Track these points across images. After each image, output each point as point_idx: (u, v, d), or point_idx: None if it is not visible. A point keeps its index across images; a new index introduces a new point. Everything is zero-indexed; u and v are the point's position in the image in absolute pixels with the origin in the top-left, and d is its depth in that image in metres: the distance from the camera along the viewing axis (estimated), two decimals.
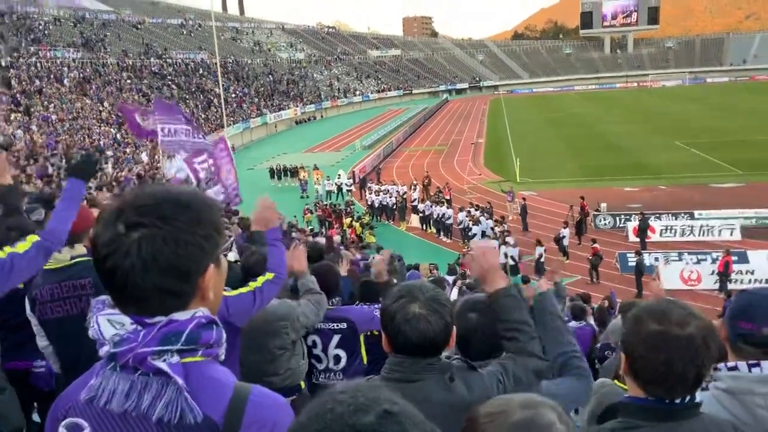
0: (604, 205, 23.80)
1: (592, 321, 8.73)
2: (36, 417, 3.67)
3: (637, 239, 20.78)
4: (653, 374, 1.57)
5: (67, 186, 2.84)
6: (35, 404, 3.64)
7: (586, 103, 70.92)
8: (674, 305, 1.62)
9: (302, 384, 3.80)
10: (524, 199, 24.27)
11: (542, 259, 18.45)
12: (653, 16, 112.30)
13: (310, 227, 22.61)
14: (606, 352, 6.08)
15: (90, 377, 1.23)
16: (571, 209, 22.88)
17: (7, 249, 2.54)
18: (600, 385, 3.12)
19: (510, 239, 19.14)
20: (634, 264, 17.89)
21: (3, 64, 37.46)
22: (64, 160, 23.63)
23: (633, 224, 21.60)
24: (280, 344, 3.59)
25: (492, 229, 20.98)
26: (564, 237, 20.06)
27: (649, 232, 20.85)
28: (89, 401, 1.19)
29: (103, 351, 1.19)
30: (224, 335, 1.25)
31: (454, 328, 1.88)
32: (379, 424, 0.81)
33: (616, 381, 2.99)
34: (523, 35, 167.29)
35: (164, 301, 1.16)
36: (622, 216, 23.00)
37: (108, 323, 1.19)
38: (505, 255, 17.97)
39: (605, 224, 23.11)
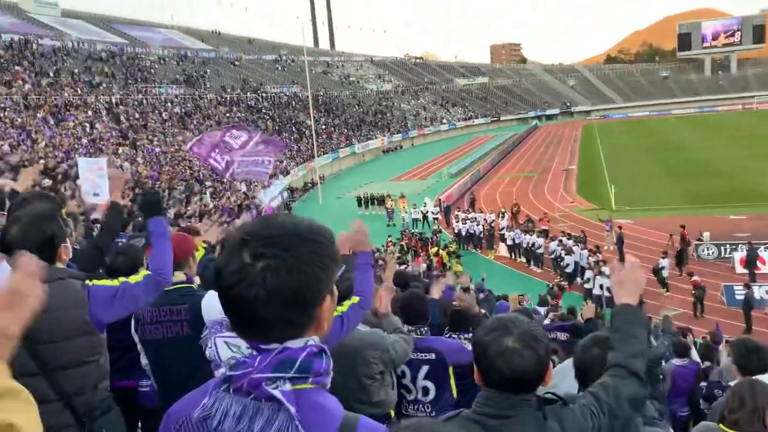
0: (707, 234, 22.44)
1: (695, 356, 8.22)
2: None
3: (745, 271, 19.42)
4: None
5: (150, 226, 2.97)
6: (139, 422, 3.80)
7: (686, 127, 67.78)
8: None
9: (392, 413, 3.76)
10: (620, 228, 23.30)
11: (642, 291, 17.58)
12: (759, 35, 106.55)
13: (397, 256, 22.64)
14: (715, 391, 5.67)
15: (202, 395, 1.26)
16: (670, 238, 21.74)
17: (121, 279, 2.72)
18: (705, 428, 2.96)
19: (606, 269, 18.38)
20: (742, 297, 16.70)
21: (113, 101, 40.38)
22: (167, 191, 25.02)
23: (740, 255, 20.23)
24: (368, 373, 3.57)
25: (587, 259, 20.23)
26: (663, 268, 19.06)
27: (758, 263, 19.45)
28: (202, 420, 1.23)
29: (219, 372, 1.22)
30: (332, 364, 1.27)
31: (551, 364, 1.81)
32: None
33: (721, 425, 2.80)
34: (617, 59, 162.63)
35: (284, 330, 1.20)
36: (728, 246, 21.59)
37: (225, 345, 1.23)
38: (601, 287, 17.26)
39: (708, 254, 21.78)
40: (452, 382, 3.96)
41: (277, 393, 1.16)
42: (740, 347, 4.04)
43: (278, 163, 40.26)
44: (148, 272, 2.78)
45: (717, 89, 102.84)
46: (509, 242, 24.61)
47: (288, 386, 1.18)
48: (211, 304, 3.12)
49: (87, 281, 2.64)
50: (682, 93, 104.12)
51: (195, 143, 8.68)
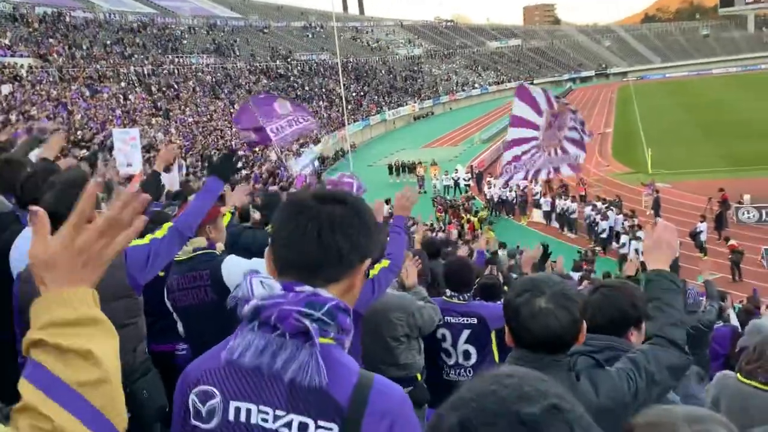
0: (747, 196, 21.85)
1: (734, 320, 8.09)
2: None
3: None
4: None
5: (207, 183, 3.05)
6: None
7: (727, 87, 65.52)
8: None
9: (418, 376, 3.79)
10: (657, 191, 22.84)
11: (677, 255, 17.28)
12: None
13: (429, 223, 22.61)
14: None
15: (222, 347, 1.31)
16: (709, 202, 21.23)
17: (149, 236, 2.75)
18: (722, 377, 3.07)
19: (641, 234, 18.10)
20: None
21: (145, 72, 40.70)
22: (199, 160, 25.30)
23: None
24: (393, 335, 3.62)
25: (622, 224, 19.93)
26: (701, 232, 18.66)
27: None
28: (227, 365, 1.27)
29: (249, 305, 1.24)
30: (352, 327, 1.30)
31: (584, 323, 1.77)
32: (543, 417, 0.73)
33: (738, 375, 2.89)
34: (655, 17, 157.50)
35: (334, 266, 1.26)
36: None
37: (260, 284, 1.26)
38: (636, 251, 17.01)
39: (749, 218, 21.23)
40: (494, 347, 3.97)
41: (308, 323, 1.20)
42: None
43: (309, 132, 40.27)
44: (171, 224, 2.81)
45: (761, 46, 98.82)
46: (545, 208, 24.32)
47: (315, 326, 1.21)
48: (232, 268, 3.15)
49: None
50: (724, 51, 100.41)
51: (242, 116, 8.66)
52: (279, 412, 1.21)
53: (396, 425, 1.19)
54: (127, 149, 6.73)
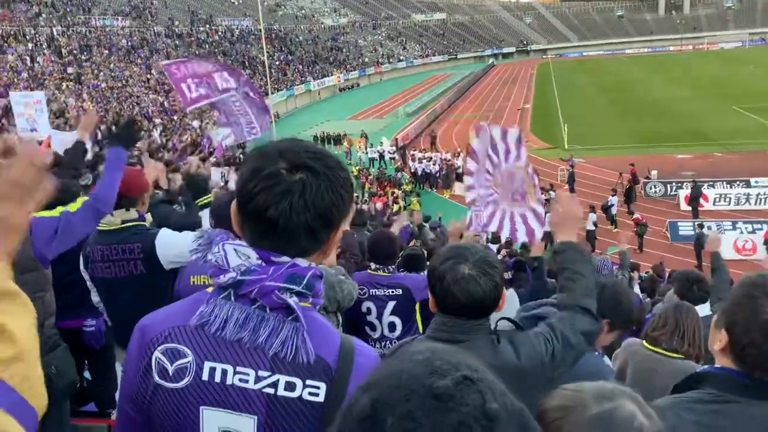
0: (654, 172, 23.11)
1: (637, 290, 8.55)
2: (87, 374, 3.79)
3: (689, 207, 20.16)
4: (765, 362, 1.44)
5: (109, 154, 2.90)
6: (86, 362, 3.74)
7: (638, 66, 68.52)
8: None
9: None
10: (572, 165, 23.74)
11: (594, 227, 18.09)
12: None
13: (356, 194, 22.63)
14: None
15: (190, 306, 1.24)
16: (620, 176, 22.30)
17: (60, 208, 2.60)
18: (629, 344, 3.14)
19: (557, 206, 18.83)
20: (686, 233, 17.37)
21: (54, 33, 38.27)
22: (113, 127, 24.15)
23: (685, 192, 20.98)
24: None
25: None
26: (612, 205, 19.61)
27: (702, 201, 20.19)
28: (198, 327, 1.21)
29: (226, 278, 1.20)
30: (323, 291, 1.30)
31: (504, 290, 1.82)
32: (456, 389, 0.73)
33: (644, 342, 2.98)
34: None
35: (307, 242, 1.21)
36: (674, 183, 22.34)
37: (234, 252, 1.21)
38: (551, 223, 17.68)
39: (655, 192, 22.47)
40: (418, 317, 3.99)
41: (290, 301, 1.18)
42: (683, 279, 4.17)
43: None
44: (86, 198, 2.70)
45: (670, 29, 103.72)
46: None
47: (295, 299, 1.20)
48: (166, 243, 3.06)
49: None
50: (636, 32, 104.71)
51: (175, 63, 8.15)
52: (262, 373, 1.18)
53: None
54: (30, 113, 6.33)
